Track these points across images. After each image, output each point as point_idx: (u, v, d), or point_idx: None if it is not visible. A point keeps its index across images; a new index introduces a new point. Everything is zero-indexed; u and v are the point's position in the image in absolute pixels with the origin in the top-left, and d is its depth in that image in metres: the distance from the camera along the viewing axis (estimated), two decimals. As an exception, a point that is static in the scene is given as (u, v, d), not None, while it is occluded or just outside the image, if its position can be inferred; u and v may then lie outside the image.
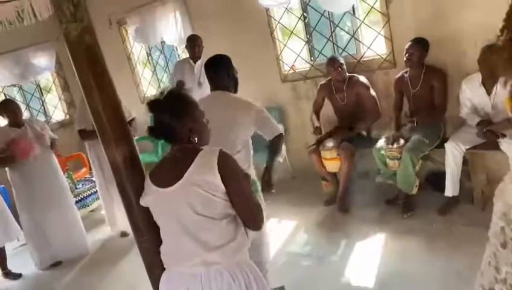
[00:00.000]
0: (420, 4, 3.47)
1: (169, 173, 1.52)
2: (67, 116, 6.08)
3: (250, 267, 1.58)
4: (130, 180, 1.55)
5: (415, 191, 3.29)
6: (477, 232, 2.86)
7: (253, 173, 2.37)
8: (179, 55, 5.34)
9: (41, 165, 3.74)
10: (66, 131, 5.66)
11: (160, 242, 1.58)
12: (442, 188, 3.25)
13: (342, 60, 3.68)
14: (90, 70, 1.44)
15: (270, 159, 2.41)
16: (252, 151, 2.40)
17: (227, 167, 1.48)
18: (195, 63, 4.32)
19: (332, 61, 3.67)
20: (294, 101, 4.50)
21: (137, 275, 3.32)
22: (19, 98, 5.78)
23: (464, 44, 3.34)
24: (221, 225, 1.50)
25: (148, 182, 1.56)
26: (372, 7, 3.73)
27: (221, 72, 2.42)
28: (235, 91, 2.47)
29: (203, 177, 1.46)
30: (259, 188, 2.01)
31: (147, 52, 5.60)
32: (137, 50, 5.66)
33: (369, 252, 2.99)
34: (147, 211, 1.57)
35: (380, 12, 3.70)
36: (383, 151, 3.37)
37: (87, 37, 1.42)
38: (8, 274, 3.86)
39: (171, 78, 4.52)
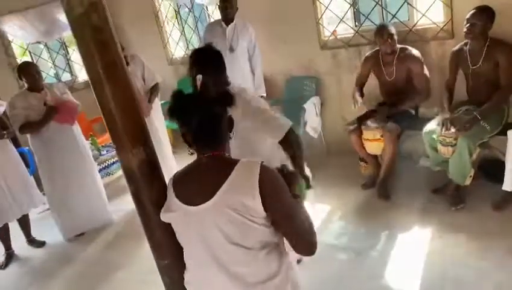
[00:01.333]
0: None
1: (198, 187, 1.26)
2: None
3: None
4: (148, 189, 1.29)
5: (468, 182, 2.93)
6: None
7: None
8: (209, 15, 4.95)
9: (62, 132, 3.56)
10: (91, 91, 5.46)
11: (180, 264, 1.34)
12: (498, 178, 2.87)
13: (393, 30, 3.21)
14: (98, 58, 1.14)
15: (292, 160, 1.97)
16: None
17: (270, 186, 1.20)
18: (227, 25, 3.94)
19: (382, 30, 3.21)
20: (334, 70, 4.08)
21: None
22: (44, 56, 5.59)
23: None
24: (259, 256, 1.23)
25: (171, 194, 1.30)
26: (432, -35, 3.23)
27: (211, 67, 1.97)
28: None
29: (239, 198, 1.19)
30: (304, 187, 1.66)
31: (175, 10, 5.23)
32: (166, 7, 5.29)
33: (413, 249, 2.70)
34: (169, 228, 1.32)
35: (441, -29, 3.19)
36: (434, 136, 2.98)
37: (95, 16, 1.11)
38: (33, 242, 3.81)
39: (202, 41, 4.20)
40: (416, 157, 3.58)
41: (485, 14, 2.82)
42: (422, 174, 3.42)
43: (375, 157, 3.50)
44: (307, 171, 2.04)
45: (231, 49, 3.91)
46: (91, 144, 4.31)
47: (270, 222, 1.24)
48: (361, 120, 3.43)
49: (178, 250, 1.33)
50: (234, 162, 1.25)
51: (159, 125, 4.02)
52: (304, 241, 1.26)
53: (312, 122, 3.95)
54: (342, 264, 2.69)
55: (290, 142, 1.93)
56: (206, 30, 4.12)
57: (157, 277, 1.47)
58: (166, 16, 5.31)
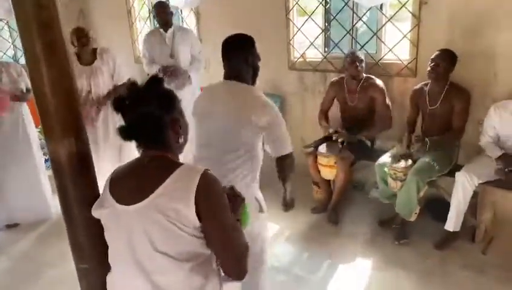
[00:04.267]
0: (458, 14, 3.07)
1: (133, 186, 1.18)
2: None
3: None
4: (74, 185, 1.18)
5: (413, 218, 2.97)
6: (474, 278, 2.61)
7: (257, 191, 1.99)
8: (182, 18, 4.88)
9: (9, 116, 3.37)
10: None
11: (106, 274, 1.24)
12: (441, 217, 2.95)
13: (363, 57, 3.29)
14: (38, 36, 1.04)
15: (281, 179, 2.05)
16: (260, 163, 1.98)
17: (208, 196, 1.14)
18: (166, 31, 3.85)
19: (353, 56, 3.27)
20: (299, 92, 4.11)
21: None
22: (3, 35, 5.31)
23: (496, 66, 2.98)
24: (184, 267, 1.15)
25: (106, 190, 1.22)
26: (403, 6, 3.32)
27: (239, 56, 1.93)
28: (253, 83, 2.00)
29: (173, 204, 1.11)
30: (250, 215, 1.61)
31: (149, 9, 5.13)
32: (140, 5, 5.19)
33: (353, 280, 2.69)
34: (93, 230, 1.22)
35: (411, 13, 3.29)
36: (386, 169, 3.02)
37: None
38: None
39: (143, 52, 4.00)
40: (367, 188, 3.62)
41: (448, 57, 2.92)
42: (372, 205, 3.45)
43: (328, 182, 3.51)
44: (259, 196, 2.01)
45: (172, 56, 3.83)
46: (39, 132, 4.08)
47: (203, 234, 1.18)
48: (318, 144, 3.44)
49: (100, 254, 1.23)
50: (177, 165, 1.18)
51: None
52: (233, 263, 1.20)
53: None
54: (280, 287, 2.63)
55: (287, 163, 1.97)
56: (145, 39, 3.98)
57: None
58: (138, 14, 5.20)
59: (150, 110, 1.17)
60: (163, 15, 3.83)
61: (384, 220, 3.22)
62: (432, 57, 2.96)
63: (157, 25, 3.94)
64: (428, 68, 2.97)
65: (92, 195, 1.20)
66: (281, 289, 2.62)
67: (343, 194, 3.39)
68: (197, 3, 4.36)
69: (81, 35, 3.27)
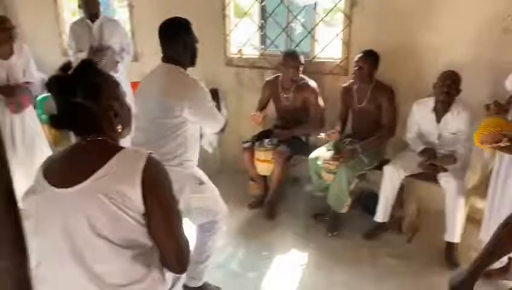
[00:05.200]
0: (386, 14, 3.23)
1: (71, 168, 1.12)
2: None
3: None
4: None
5: (345, 210, 3.09)
6: (400, 266, 2.76)
7: (193, 169, 2.17)
8: (114, 10, 4.69)
9: None
10: None
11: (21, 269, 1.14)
12: (372, 210, 3.09)
13: (302, 60, 3.34)
14: None
15: None
16: (196, 142, 2.15)
17: (155, 179, 1.10)
18: (93, 22, 3.70)
19: (294, 57, 3.30)
20: (236, 88, 4.11)
21: None
22: None
23: (421, 65, 3.18)
24: (125, 255, 1.10)
25: (39, 174, 1.13)
26: (336, 5, 3.43)
27: (176, 40, 2.04)
28: (193, 64, 2.16)
29: (117, 185, 1.07)
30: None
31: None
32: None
33: (289, 272, 2.73)
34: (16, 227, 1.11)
35: (343, 13, 3.41)
36: (319, 162, 3.12)
37: None
38: None
39: (69, 43, 3.82)
40: (303, 182, 3.70)
41: (371, 58, 3.06)
42: (307, 199, 3.53)
43: (264, 178, 3.55)
44: (199, 172, 2.24)
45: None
46: None
47: (146, 222, 1.13)
48: (255, 140, 3.46)
49: (21, 253, 1.13)
50: (119, 148, 1.14)
51: (32, 123, 3.44)
52: (175, 254, 1.16)
53: (208, 136, 3.88)
54: (218, 283, 2.61)
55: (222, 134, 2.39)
56: (71, 29, 3.80)
57: None
58: (66, 4, 4.91)
59: (77, 100, 1.10)
60: (90, 4, 3.64)
61: (318, 213, 3.32)
62: (355, 59, 3.09)
63: (84, 15, 3.74)
64: (354, 70, 3.10)
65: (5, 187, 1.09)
66: (219, 286, 2.60)
67: (280, 188, 3.44)
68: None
69: (1, 27, 3.01)
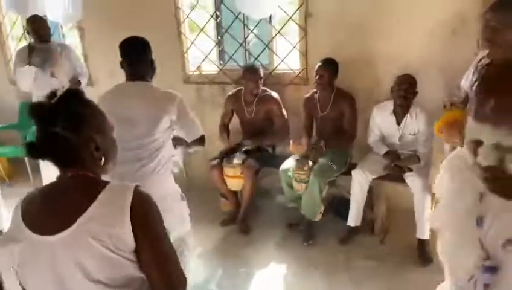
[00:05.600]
0: (339, 24, 3.33)
1: (54, 212, 1.05)
2: None
3: None
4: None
5: (318, 217, 3.13)
6: (376, 267, 2.82)
7: (172, 181, 2.23)
8: (63, 35, 4.54)
9: None
10: None
11: None
12: (344, 215, 3.15)
13: (261, 73, 3.37)
14: None
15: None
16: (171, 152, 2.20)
17: (143, 213, 1.06)
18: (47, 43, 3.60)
19: (253, 71, 3.34)
20: (197, 105, 4.06)
21: None
22: None
23: (379, 71, 3.30)
24: None
25: (18, 218, 1.06)
26: (290, 18, 3.50)
27: (142, 57, 2.10)
28: (151, 79, 2.19)
29: (105, 228, 1.02)
30: None
31: (23, 26, 4.67)
32: (12, 21, 4.70)
33: (269, 285, 2.73)
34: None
35: (298, 24, 3.49)
36: (290, 173, 3.14)
37: None
38: None
39: (14, 70, 3.68)
40: (273, 194, 3.71)
41: (330, 66, 3.14)
42: (279, 210, 3.54)
43: (235, 193, 3.52)
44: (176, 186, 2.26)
45: (52, 74, 3.56)
46: None
47: (137, 258, 1.08)
48: (223, 157, 3.44)
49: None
50: (103, 184, 1.08)
51: None
52: (169, 281, 1.09)
53: (175, 156, 3.82)
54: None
55: (201, 145, 2.29)
56: (17, 56, 3.66)
57: None
58: (10, 31, 4.70)
59: (56, 129, 1.05)
60: (40, 30, 3.52)
61: (292, 223, 3.34)
62: (316, 68, 3.16)
63: (33, 41, 3.60)
64: (315, 79, 3.17)
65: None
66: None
67: (251, 202, 3.43)
68: (77, 18, 4.07)
69: None
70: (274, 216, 3.53)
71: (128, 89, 2.10)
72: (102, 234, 1.01)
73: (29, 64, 3.47)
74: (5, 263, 1.08)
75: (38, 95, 3.50)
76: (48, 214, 1.06)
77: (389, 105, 3.03)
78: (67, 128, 1.06)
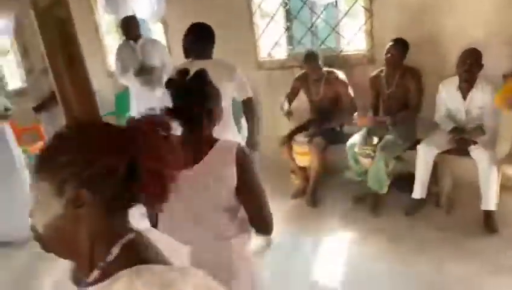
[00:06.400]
0: (404, 4, 3.42)
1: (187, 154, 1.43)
2: (26, 85, 5.67)
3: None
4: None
5: (385, 190, 3.29)
6: (441, 236, 2.94)
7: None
8: (150, 29, 5.07)
9: None
10: (22, 100, 5.28)
11: None
12: (408, 189, 3.28)
13: (318, 56, 3.57)
14: (61, 51, 1.25)
15: (250, 122, 2.85)
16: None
17: (243, 161, 1.42)
18: (136, 42, 4.06)
19: (309, 58, 3.58)
20: (269, 90, 4.38)
21: None
22: None
23: (444, 48, 3.35)
24: (224, 216, 1.45)
25: None
26: (356, 1, 3.65)
27: (208, 45, 2.78)
28: None
29: (220, 167, 1.40)
30: None
31: (116, 25, 5.29)
32: (106, 20, 5.36)
33: (335, 250, 2.98)
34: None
35: (364, 7, 3.63)
36: (356, 149, 3.34)
37: (59, 9, 1.23)
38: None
39: (116, 64, 4.18)
40: (341, 169, 3.91)
41: (401, 46, 3.27)
42: (347, 185, 3.74)
43: (304, 169, 3.79)
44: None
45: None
46: (23, 152, 4.17)
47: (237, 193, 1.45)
48: (293, 135, 3.72)
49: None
50: (215, 140, 1.46)
51: None
52: (263, 219, 1.48)
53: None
54: (272, 264, 2.88)
55: (252, 105, 2.83)
56: (117, 52, 4.16)
57: None
58: (106, 29, 5.34)
59: (191, 100, 1.43)
60: (132, 28, 4.02)
61: (358, 197, 3.53)
62: (387, 47, 3.30)
63: (125, 38, 4.12)
64: (385, 58, 3.31)
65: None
66: (272, 267, 2.86)
67: (320, 177, 3.67)
68: (161, 14, 4.56)
69: None
70: (341, 191, 3.74)
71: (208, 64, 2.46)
72: (217, 172, 1.40)
73: (135, 75, 3.96)
74: None
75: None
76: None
77: (455, 81, 3.08)
78: (199, 100, 1.44)
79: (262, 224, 1.50)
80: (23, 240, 3.62)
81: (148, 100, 3.76)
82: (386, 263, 2.76)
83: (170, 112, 1.43)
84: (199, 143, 1.45)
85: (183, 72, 1.46)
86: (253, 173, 1.46)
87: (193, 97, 1.43)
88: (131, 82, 4.04)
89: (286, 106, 3.77)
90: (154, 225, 1.52)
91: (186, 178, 1.37)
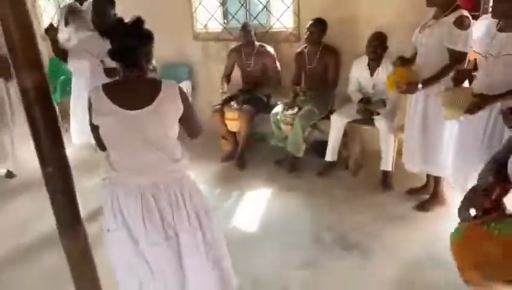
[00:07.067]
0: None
1: (133, 96, 1.69)
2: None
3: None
4: (40, 109, 1.60)
5: (301, 154, 3.71)
6: (346, 194, 3.41)
7: None
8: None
9: None
10: None
11: (63, 174, 1.68)
12: (323, 154, 3.71)
13: (252, 29, 3.92)
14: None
15: None
16: None
17: (184, 96, 1.75)
18: (81, 4, 4.09)
19: (245, 28, 3.91)
20: (204, 59, 4.64)
21: (29, 211, 3.37)
22: None
23: (359, 29, 3.78)
24: (173, 142, 1.78)
25: (105, 100, 1.68)
26: (286, -19, 3.98)
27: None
28: None
29: (171, 105, 1.70)
30: None
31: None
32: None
33: (258, 203, 3.36)
34: (53, 142, 1.65)
35: (292, -13, 3.97)
36: (278, 116, 3.72)
37: None
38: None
39: (57, 23, 4.06)
40: (268, 138, 4.30)
41: (320, 25, 3.65)
42: (271, 151, 4.14)
43: (234, 134, 4.12)
44: None
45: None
46: None
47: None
48: (225, 102, 4.03)
49: (61, 161, 1.67)
50: (159, 80, 1.72)
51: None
52: (198, 130, 1.91)
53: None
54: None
55: None
56: (60, 13, 4.17)
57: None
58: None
59: (130, 42, 1.67)
60: None
61: (279, 160, 3.93)
62: (307, 26, 3.67)
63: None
64: (305, 36, 3.68)
65: (52, 116, 1.62)
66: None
67: (247, 142, 4.03)
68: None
69: None
70: (266, 156, 4.14)
71: None
72: (170, 108, 1.70)
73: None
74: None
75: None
76: (130, 96, 1.69)
77: (365, 58, 3.54)
78: (141, 41, 1.69)
79: (197, 133, 1.92)
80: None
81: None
82: (299, 213, 3.20)
83: (113, 55, 1.67)
84: (147, 85, 1.72)
85: (121, 20, 1.70)
86: (189, 101, 1.80)
87: (133, 39, 1.67)
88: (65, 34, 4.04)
89: (225, 88, 4.07)
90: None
91: (143, 115, 1.68)
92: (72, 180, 1.74)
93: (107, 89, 1.73)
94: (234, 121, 3.97)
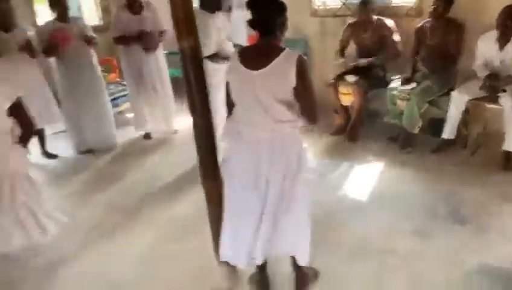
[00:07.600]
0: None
1: (257, 59, 1.89)
2: (102, 22, 6.33)
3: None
4: (193, 67, 1.94)
5: (416, 130, 3.67)
6: (460, 170, 3.33)
7: None
8: None
9: (81, 58, 4.13)
10: (98, 36, 5.92)
11: (207, 123, 2.00)
12: (440, 134, 3.62)
13: (372, 4, 3.94)
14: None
15: None
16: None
17: (302, 66, 1.86)
18: None
19: (364, 4, 3.95)
20: (320, 36, 4.76)
21: (158, 168, 3.92)
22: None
23: (487, 3, 3.57)
24: (286, 107, 1.91)
25: (237, 61, 1.93)
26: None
27: None
28: None
29: (285, 69, 1.84)
30: None
31: None
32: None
33: (367, 174, 3.45)
34: (202, 95, 1.98)
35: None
36: (395, 92, 3.72)
37: None
38: (46, 153, 4.39)
39: None
40: (382, 115, 4.29)
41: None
42: (384, 127, 4.13)
43: (346, 108, 4.21)
44: None
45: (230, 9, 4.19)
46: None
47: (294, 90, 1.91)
48: (339, 77, 4.14)
49: (208, 111, 2.00)
50: (283, 49, 1.90)
51: (163, 67, 4.55)
52: (312, 110, 1.93)
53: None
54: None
55: None
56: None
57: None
58: None
59: (268, 12, 1.89)
60: None
61: (392, 136, 3.93)
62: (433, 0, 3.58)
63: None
64: (430, 9, 3.60)
65: (201, 73, 1.95)
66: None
67: (360, 117, 4.10)
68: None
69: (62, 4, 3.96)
70: (378, 131, 4.15)
71: None
72: (282, 72, 1.85)
73: None
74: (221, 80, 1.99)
75: None
76: (253, 59, 1.90)
77: (494, 33, 3.35)
78: (276, 13, 1.89)
79: (310, 115, 1.94)
80: (107, 148, 4.43)
81: None
82: (412, 185, 3.23)
83: (252, 24, 1.90)
84: (271, 50, 1.90)
85: None
86: (308, 76, 1.90)
87: (270, 11, 1.88)
88: None
89: (340, 61, 4.17)
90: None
91: (258, 76, 1.89)
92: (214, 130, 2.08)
93: (242, 51, 1.99)
94: (348, 95, 4.06)
